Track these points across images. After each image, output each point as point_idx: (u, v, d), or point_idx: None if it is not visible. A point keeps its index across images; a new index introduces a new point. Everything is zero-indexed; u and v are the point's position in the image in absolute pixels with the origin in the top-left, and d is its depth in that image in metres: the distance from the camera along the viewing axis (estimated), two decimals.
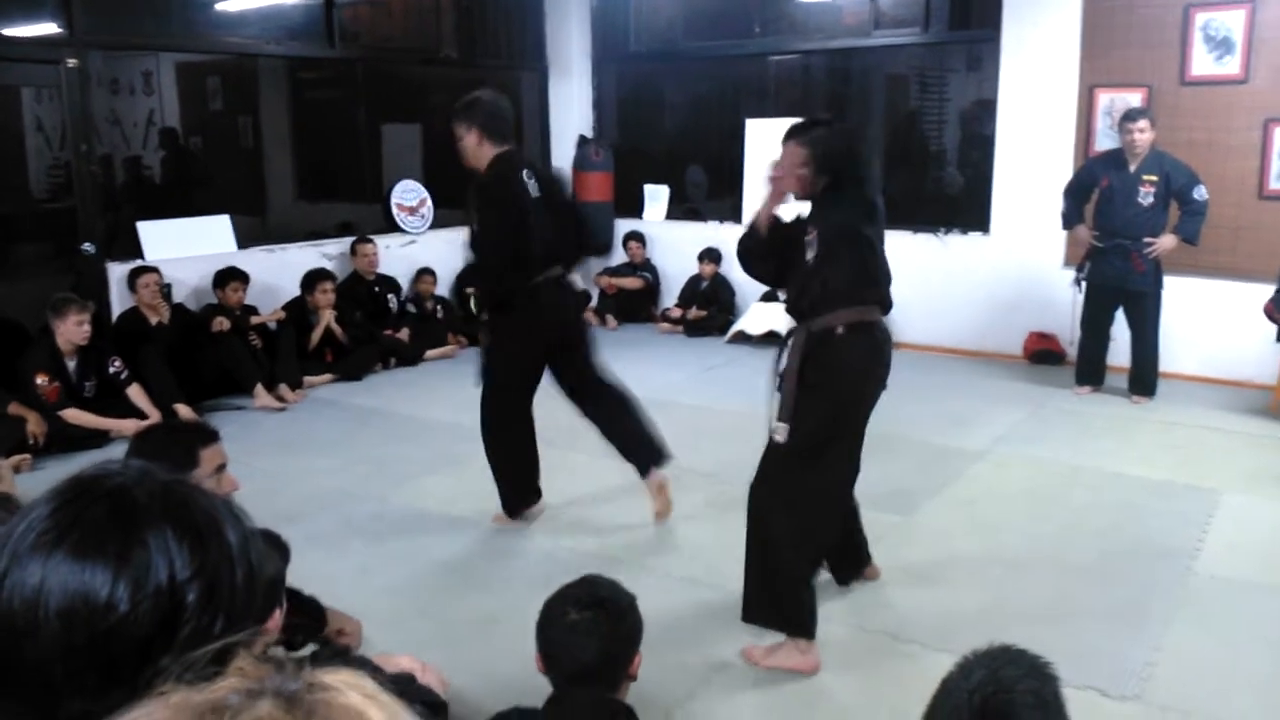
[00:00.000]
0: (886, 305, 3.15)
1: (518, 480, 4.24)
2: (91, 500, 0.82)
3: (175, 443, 2.38)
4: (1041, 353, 6.86)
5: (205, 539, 0.82)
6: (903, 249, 7.29)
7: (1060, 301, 6.52)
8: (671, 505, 4.20)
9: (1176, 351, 6.22)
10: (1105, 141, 6.35)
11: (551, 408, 4.25)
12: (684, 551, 3.96)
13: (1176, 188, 5.66)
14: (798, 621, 3.05)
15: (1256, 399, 5.89)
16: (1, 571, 0.78)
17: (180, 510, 0.83)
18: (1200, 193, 5.63)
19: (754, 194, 8.04)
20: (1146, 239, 5.69)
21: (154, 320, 5.91)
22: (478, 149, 3.98)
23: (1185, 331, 6.26)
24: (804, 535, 3.06)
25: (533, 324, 4.05)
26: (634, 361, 6.99)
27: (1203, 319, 6.31)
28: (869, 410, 3.20)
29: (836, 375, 3.04)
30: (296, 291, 6.73)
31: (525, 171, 3.98)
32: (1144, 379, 5.96)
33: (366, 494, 4.66)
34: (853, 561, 3.57)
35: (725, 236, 8.12)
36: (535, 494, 4.29)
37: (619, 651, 1.84)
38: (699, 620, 3.39)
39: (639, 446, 4.19)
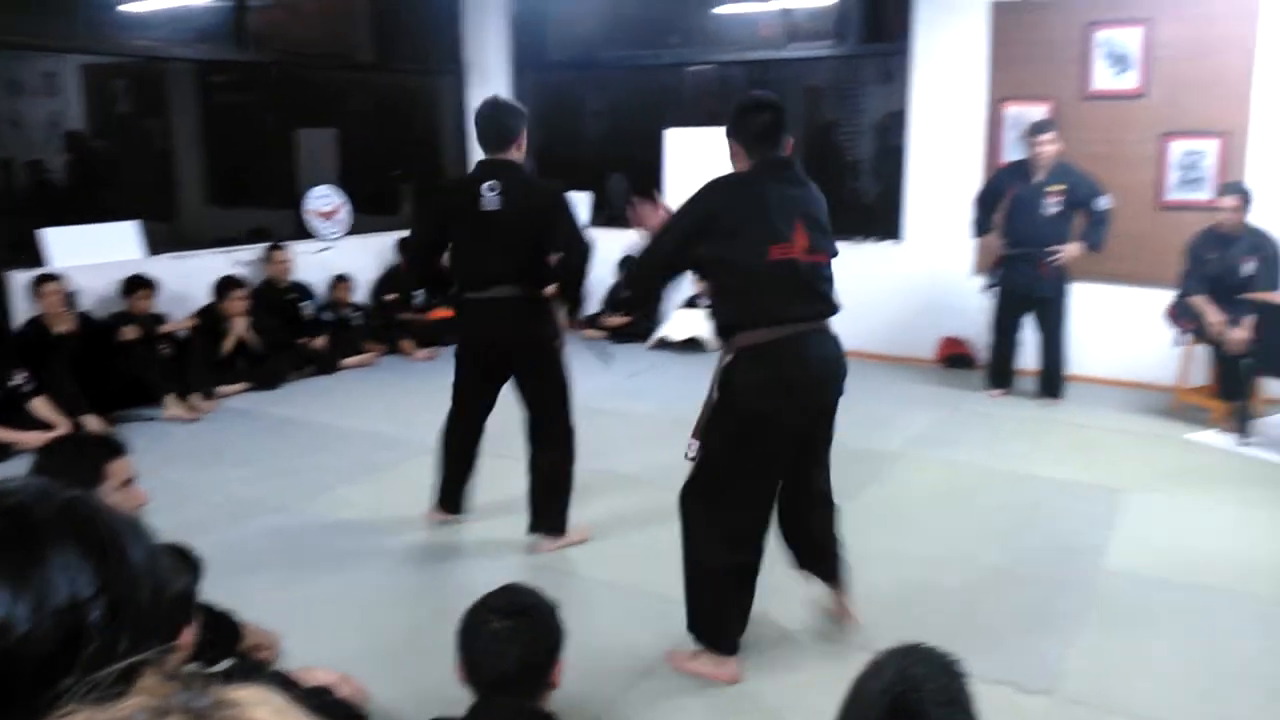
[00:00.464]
0: (797, 317, 2.94)
1: (443, 478, 4.22)
2: None
3: (81, 456, 2.31)
4: (954, 357, 7.04)
5: (108, 556, 0.80)
6: None
7: (970, 307, 6.69)
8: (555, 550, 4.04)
9: (1083, 355, 6.43)
10: (1012, 153, 6.54)
11: (500, 413, 4.20)
12: (611, 557, 3.96)
13: (1081, 197, 5.85)
14: (709, 634, 3.05)
15: (1159, 400, 6.12)
16: None
17: (82, 527, 0.81)
18: (1103, 202, 5.84)
19: (675, 202, 8.08)
20: (1052, 247, 5.87)
21: (59, 329, 5.71)
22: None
23: (1091, 336, 6.47)
24: (714, 553, 3.01)
25: (464, 338, 4.02)
26: None
27: (1108, 324, 6.54)
28: (789, 440, 2.99)
29: (731, 402, 2.92)
30: (208, 299, 6.57)
31: (490, 184, 3.74)
32: (1052, 382, 6.15)
33: (283, 505, 4.57)
34: (819, 567, 3.39)
35: None
36: (454, 503, 4.25)
37: (540, 660, 1.84)
38: (625, 626, 3.39)
39: (538, 510, 4.04)
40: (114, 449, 2.34)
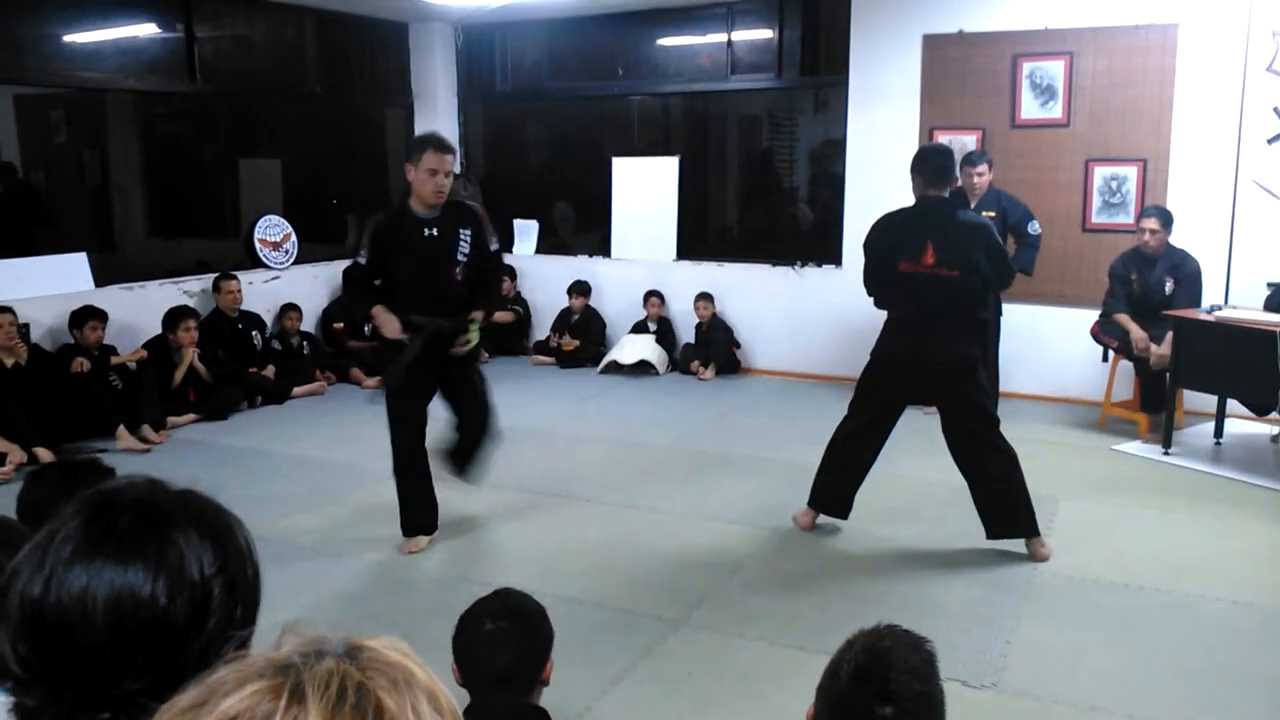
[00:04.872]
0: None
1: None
2: (120, 511, 0.91)
3: (72, 480, 2.36)
4: None
5: (223, 540, 0.93)
6: (760, 280, 7.68)
7: None
8: None
9: (1014, 372, 6.71)
10: None
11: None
12: (569, 575, 4.07)
13: (1012, 222, 6.14)
14: None
15: (1086, 414, 6.41)
16: (45, 579, 0.87)
17: (200, 515, 0.93)
18: (1034, 227, 6.13)
19: (621, 228, 8.28)
20: None
21: (10, 362, 5.67)
22: None
23: (1022, 354, 6.75)
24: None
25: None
26: (510, 393, 7.05)
27: (1037, 342, 6.83)
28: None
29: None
30: (157, 330, 6.56)
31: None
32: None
33: None
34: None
35: (594, 270, 8.33)
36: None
37: (533, 658, 1.96)
38: (590, 638, 3.50)
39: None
40: (101, 473, 2.40)
